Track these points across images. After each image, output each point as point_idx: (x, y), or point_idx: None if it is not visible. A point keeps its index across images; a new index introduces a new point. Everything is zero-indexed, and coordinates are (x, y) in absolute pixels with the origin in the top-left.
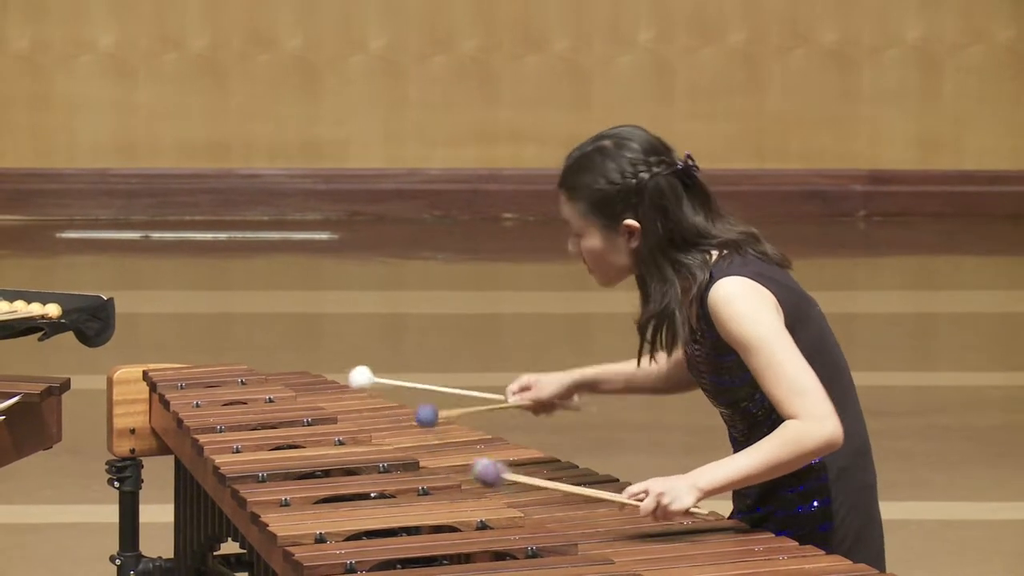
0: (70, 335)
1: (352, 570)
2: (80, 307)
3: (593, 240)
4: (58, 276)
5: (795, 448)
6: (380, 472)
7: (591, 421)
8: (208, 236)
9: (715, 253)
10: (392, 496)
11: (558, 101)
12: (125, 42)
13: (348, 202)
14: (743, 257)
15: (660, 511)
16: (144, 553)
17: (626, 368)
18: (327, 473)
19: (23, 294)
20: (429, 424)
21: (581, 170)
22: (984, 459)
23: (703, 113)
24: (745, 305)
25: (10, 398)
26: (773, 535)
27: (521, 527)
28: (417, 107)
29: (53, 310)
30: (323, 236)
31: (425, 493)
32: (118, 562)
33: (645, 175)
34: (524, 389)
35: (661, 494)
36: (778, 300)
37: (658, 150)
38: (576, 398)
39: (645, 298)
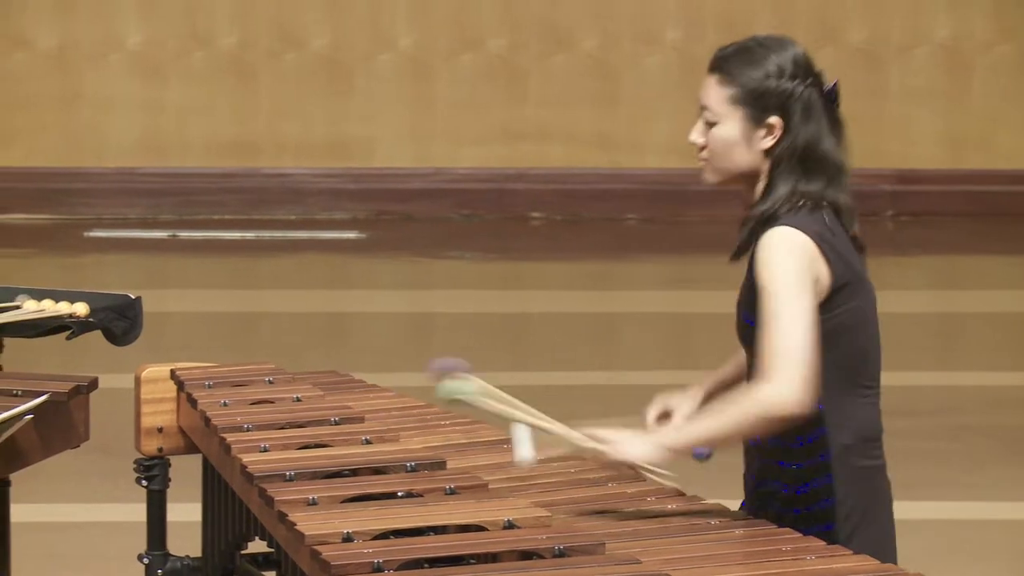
0: (98, 334)
1: (379, 569)
2: (108, 306)
3: (730, 129)
4: (86, 275)
5: (760, 414)
6: (407, 471)
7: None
8: (236, 235)
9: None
10: (419, 495)
11: (585, 100)
12: (153, 41)
13: (375, 201)
14: (814, 214)
15: (607, 459)
16: (172, 552)
17: (722, 374)
18: (354, 472)
19: (51, 293)
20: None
21: (742, 58)
22: (1008, 459)
23: None
24: (783, 255)
25: (38, 397)
26: (800, 534)
27: (548, 527)
28: (445, 106)
29: (81, 309)
30: (350, 235)
31: (452, 492)
32: (146, 561)
33: (801, 81)
34: (664, 415)
35: (615, 443)
36: (830, 268)
37: (811, 63)
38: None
39: (763, 196)
